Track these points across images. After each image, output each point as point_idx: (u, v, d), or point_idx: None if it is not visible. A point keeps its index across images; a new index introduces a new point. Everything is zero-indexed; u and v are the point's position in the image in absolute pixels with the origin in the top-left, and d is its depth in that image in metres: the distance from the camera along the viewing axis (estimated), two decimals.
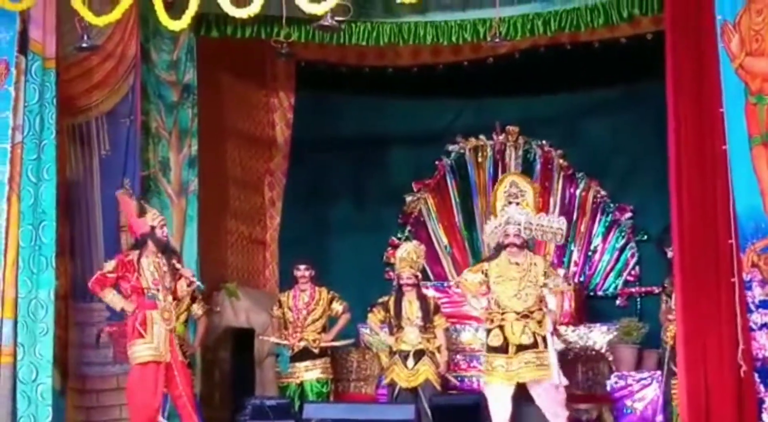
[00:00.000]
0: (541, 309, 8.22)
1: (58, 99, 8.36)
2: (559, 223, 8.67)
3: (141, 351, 7.71)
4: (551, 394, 8.12)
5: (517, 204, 8.53)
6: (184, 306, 8.73)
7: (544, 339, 8.15)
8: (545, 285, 8.29)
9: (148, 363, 7.69)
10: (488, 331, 8.25)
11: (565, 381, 8.22)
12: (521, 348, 8.07)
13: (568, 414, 8.24)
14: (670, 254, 8.58)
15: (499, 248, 8.41)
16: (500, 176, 11.12)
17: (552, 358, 8.11)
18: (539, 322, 8.18)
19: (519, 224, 8.34)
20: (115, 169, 8.95)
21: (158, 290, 7.78)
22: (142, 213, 8.02)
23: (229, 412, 9.56)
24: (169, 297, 7.85)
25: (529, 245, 8.71)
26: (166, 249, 7.97)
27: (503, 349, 8.12)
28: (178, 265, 8.03)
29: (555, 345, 8.34)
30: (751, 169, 7.27)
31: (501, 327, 8.16)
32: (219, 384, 10.17)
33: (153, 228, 7.91)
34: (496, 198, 8.69)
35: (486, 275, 8.31)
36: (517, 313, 8.14)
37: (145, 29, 9.28)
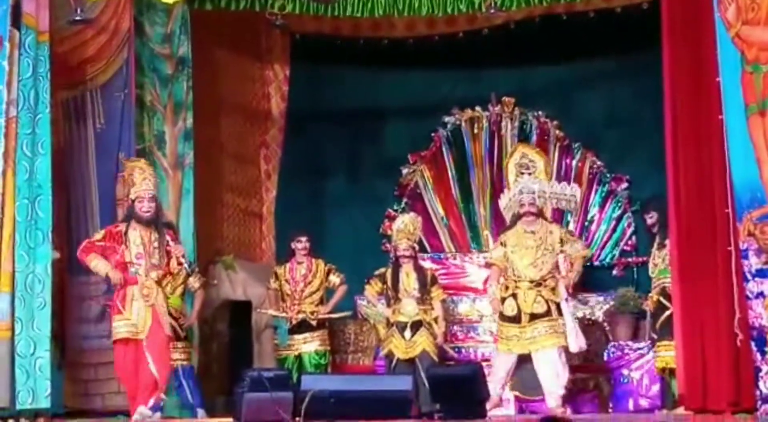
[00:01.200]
0: (554, 277, 8.29)
1: (52, 73, 8.31)
2: (573, 190, 8.80)
3: (119, 327, 7.60)
4: (555, 368, 8.14)
5: (530, 174, 8.56)
6: (181, 279, 8.72)
7: (558, 306, 8.21)
8: (563, 251, 8.34)
9: (127, 340, 7.58)
10: (503, 299, 8.31)
11: (584, 346, 8.30)
12: (534, 317, 8.15)
13: (564, 393, 8.24)
14: (649, 221, 8.69)
15: (516, 218, 8.48)
16: (496, 148, 11.13)
17: (569, 324, 8.19)
18: (552, 289, 8.24)
19: (533, 193, 8.41)
20: (110, 143, 8.92)
21: (140, 265, 7.64)
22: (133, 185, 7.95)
23: (227, 384, 9.55)
24: (152, 273, 7.64)
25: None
26: (154, 223, 7.76)
27: (517, 319, 8.19)
28: (171, 243, 7.80)
29: (572, 310, 8.43)
30: (748, 138, 7.25)
31: (514, 296, 8.23)
32: (217, 357, 10.19)
33: (133, 202, 7.77)
34: (507, 171, 8.72)
35: (505, 246, 8.38)
36: (531, 282, 8.21)
37: (138, 2, 9.22)
